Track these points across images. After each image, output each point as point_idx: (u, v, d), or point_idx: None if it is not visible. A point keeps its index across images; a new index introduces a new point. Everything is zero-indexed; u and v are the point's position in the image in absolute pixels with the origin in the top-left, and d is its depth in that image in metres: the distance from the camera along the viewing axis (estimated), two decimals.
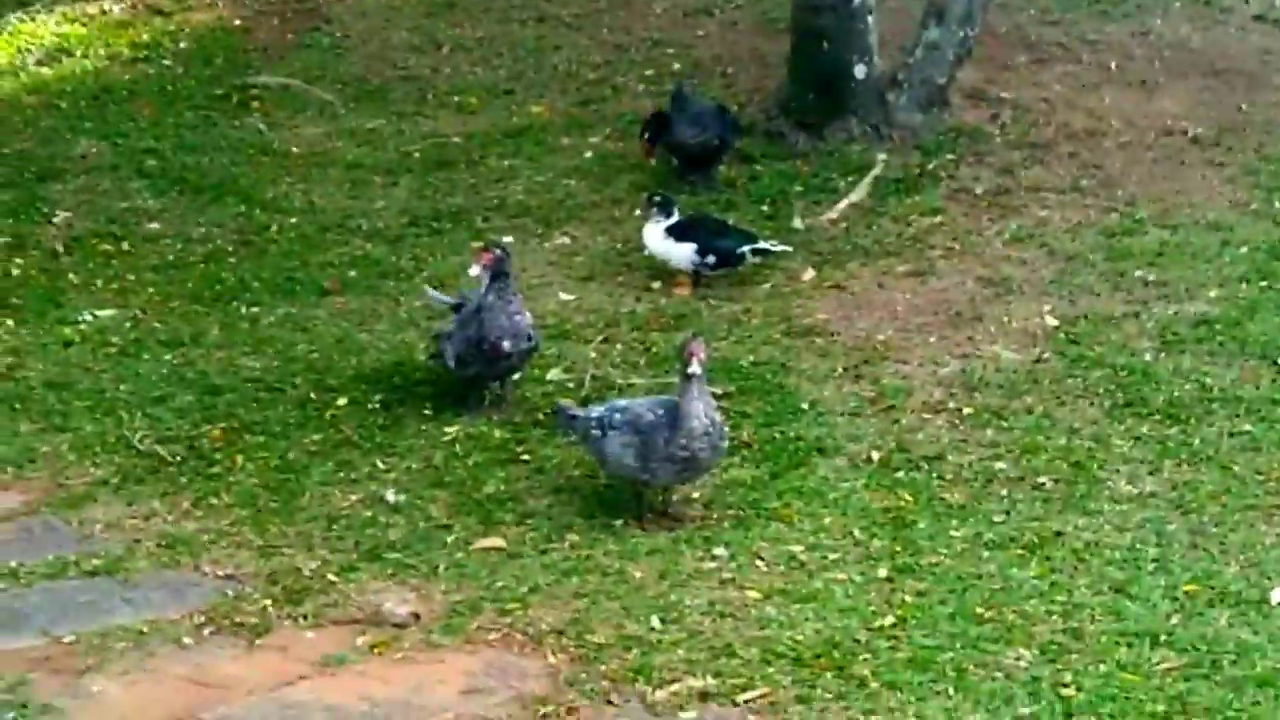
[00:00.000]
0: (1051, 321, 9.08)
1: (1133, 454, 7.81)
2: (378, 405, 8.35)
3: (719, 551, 6.99)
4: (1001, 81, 11.44)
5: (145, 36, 13.52)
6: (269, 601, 6.63)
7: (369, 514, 7.35)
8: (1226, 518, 7.21)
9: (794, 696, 5.93)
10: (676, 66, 12.16)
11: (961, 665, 6.12)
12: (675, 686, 5.96)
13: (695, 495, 7.47)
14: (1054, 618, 6.46)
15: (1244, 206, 10.16)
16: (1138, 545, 7.02)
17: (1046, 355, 8.73)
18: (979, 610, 6.50)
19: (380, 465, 7.78)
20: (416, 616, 6.48)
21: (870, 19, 10.94)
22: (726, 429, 7.23)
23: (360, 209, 10.72)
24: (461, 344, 8.10)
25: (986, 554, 6.98)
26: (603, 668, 6.11)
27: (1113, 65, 11.54)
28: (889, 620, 6.42)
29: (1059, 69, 11.56)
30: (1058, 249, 9.82)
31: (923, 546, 7.03)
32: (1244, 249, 9.69)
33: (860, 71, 10.93)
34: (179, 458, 7.88)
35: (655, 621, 6.43)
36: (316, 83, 12.49)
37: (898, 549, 7.01)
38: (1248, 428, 7.97)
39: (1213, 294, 9.23)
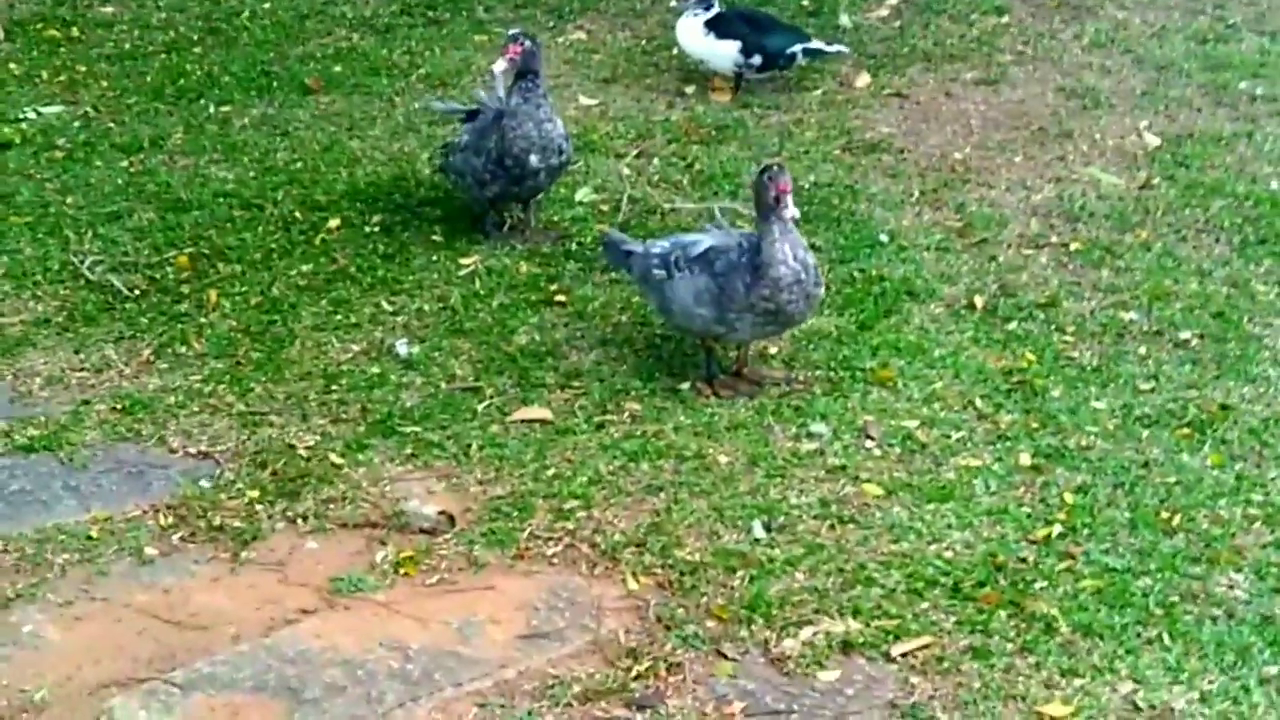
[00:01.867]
0: (1152, 140, 7.16)
1: None
2: (376, 229, 6.36)
3: (816, 428, 5.10)
4: None
5: None
6: (256, 493, 4.69)
7: (376, 371, 5.40)
8: None
9: (965, 648, 4.08)
10: None
11: (1166, 597, 4.30)
12: (806, 633, 4.08)
13: (773, 351, 5.59)
14: (1257, 525, 4.64)
15: None
16: None
17: (1155, 180, 6.82)
18: (1162, 515, 4.68)
19: (385, 306, 5.81)
20: (450, 519, 4.56)
21: None
22: (821, 274, 5.30)
23: None
24: (481, 159, 6.09)
25: (1145, 433, 5.13)
26: (703, 599, 4.24)
27: None
28: (1055, 530, 4.58)
29: None
30: (1145, 56, 7.85)
31: (1064, 423, 5.18)
32: None
33: None
34: (138, 291, 5.89)
35: (758, 529, 4.56)
36: None
37: (1034, 426, 5.16)
38: None
39: None
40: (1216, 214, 6.55)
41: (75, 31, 8.09)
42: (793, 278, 5.10)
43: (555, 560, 4.42)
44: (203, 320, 5.70)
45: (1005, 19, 8.18)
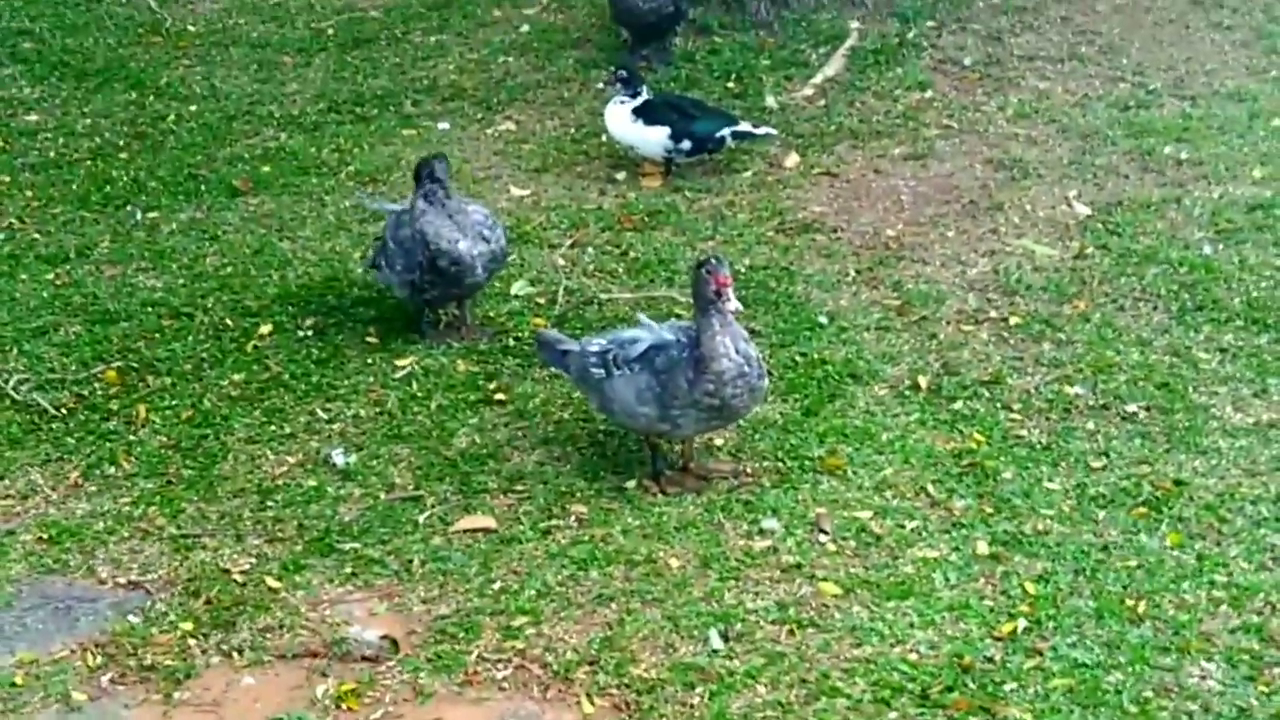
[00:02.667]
0: (1082, 209, 6.95)
1: (1225, 370, 5.74)
2: (310, 333, 6.02)
3: (768, 524, 4.81)
4: None
5: None
6: (189, 625, 4.33)
7: (313, 483, 5.06)
8: None
9: None
10: None
11: (1139, 693, 4.02)
12: None
13: (719, 442, 5.30)
14: (1223, 608, 4.39)
15: (1263, 74, 8.09)
16: None
17: (1088, 249, 6.61)
18: (1127, 601, 4.41)
19: (320, 414, 5.48)
20: (394, 643, 4.23)
21: None
22: (764, 365, 5.02)
23: (270, 94, 8.25)
24: (414, 273, 5.76)
25: (1100, 514, 4.88)
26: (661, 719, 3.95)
27: None
28: (1020, 624, 4.30)
29: None
30: (1069, 125, 7.67)
31: (1018, 506, 4.92)
32: (1276, 121, 7.62)
33: None
34: (65, 409, 5.52)
35: (715, 639, 4.25)
36: None
37: (989, 511, 4.89)
38: None
39: (1256, 174, 7.16)
40: (1152, 281, 6.34)
41: None
42: (735, 371, 4.82)
43: (505, 684, 4.08)
44: (132, 438, 5.34)
45: (929, 94, 7.98)
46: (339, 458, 5.17)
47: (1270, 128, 7.57)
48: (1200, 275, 6.36)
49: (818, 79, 8.18)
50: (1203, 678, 4.10)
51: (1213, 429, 5.37)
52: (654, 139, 7.23)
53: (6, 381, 5.67)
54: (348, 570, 4.58)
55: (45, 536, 4.78)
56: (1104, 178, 7.22)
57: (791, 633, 4.27)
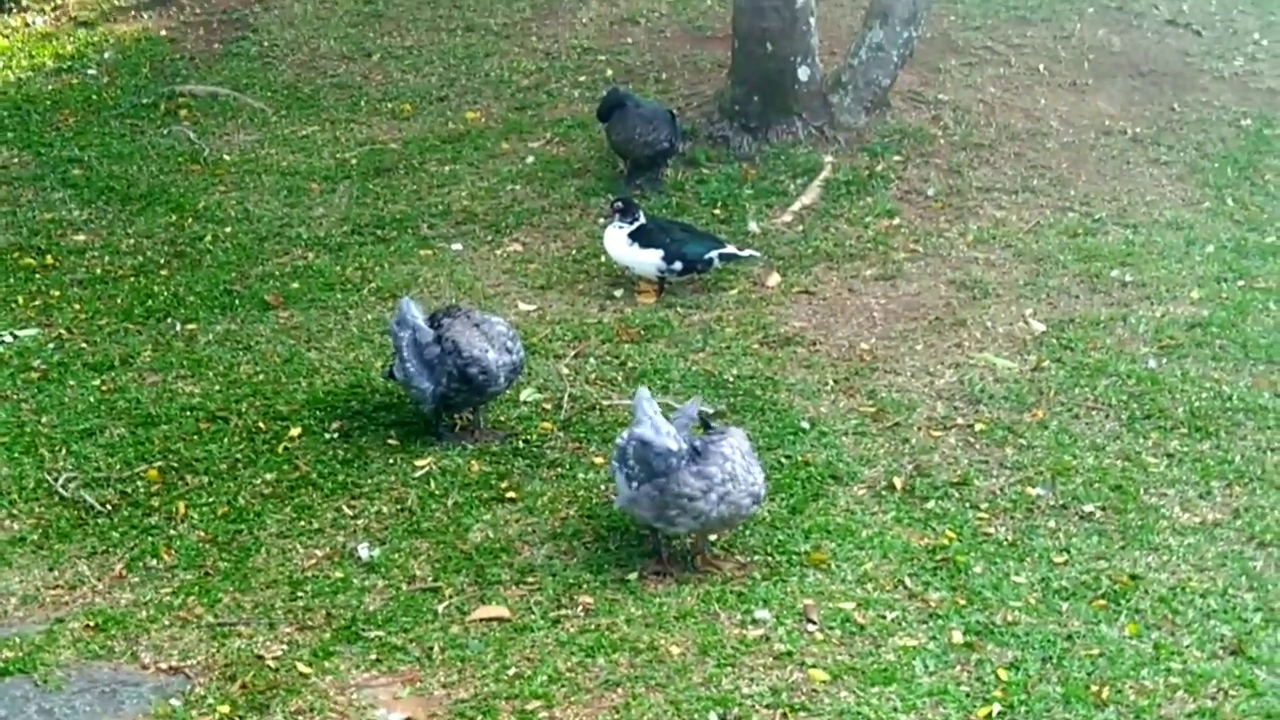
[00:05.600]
0: (1038, 326, 7.01)
1: (1172, 474, 5.76)
2: (336, 435, 6.01)
3: (760, 614, 4.78)
4: (937, 84, 9.32)
5: (70, 48, 10.86)
6: (226, 708, 4.27)
7: (339, 575, 5.03)
8: None
9: None
10: (609, 73, 9.84)
11: None
12: None
13: (712, 538, 5.28)
14: (1179, 694, 4.37)
15: (1197, 205, 8.19)
16: (1230, 590, 4.96)
17: (1044, 362, 6.65)
18: (1091, 688, 4.39)
19: (346, 510, 5.45)
20: None
21: (812, 21, 8.76)
22: (763, 478, 5.01)
23: (299, 217, 8.29)
24: (441, 384, 5.76)
25: (1064, 605, 4.87)
26: None
27: (1041, 67, 9.49)
28: (995, 709, 4.27)
29: (990, 71, 9.47)
30: (1024, 250, 7.74)
31: (989, 599, 4.90)
32: (1210, 247, 7.71)
33: (804, 73, 8.76)
34: (110, 505, 5.48)
35: None
36: (246, 91, 9.98)
37: (962, 603, 4.88)
38: None
39: (1195, 295, 7.23)
40: (1103, 392, 6.38)
41: (49, 259, 7.74)
42: (729, 474, 4.82)
43: None
44: (172, 532, 5.30)
45: (897, 220, 8.06)
46: (364, 551, 5.14)
47: (1205, 253, 7.65)
48: (1147, 387, 6.40)
49: (796, 207, 8.25)
50: None
51: (1163, 528, 5.37)
52: (649, 260, 7.28)
53: (56, 479, 5.63)
54: (373, 657, 4.53)
55: (92, 624, 4.73)
56: (1056, 298, 7.28)
57: (785, 717, 4.23)
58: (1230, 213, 8.02)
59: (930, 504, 5.55)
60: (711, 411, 6.10)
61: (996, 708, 4.26)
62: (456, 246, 7.90)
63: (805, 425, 6.11)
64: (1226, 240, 7.74)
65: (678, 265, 7.28)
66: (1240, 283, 7.33)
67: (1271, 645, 4.63)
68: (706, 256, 7.33)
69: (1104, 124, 8.86)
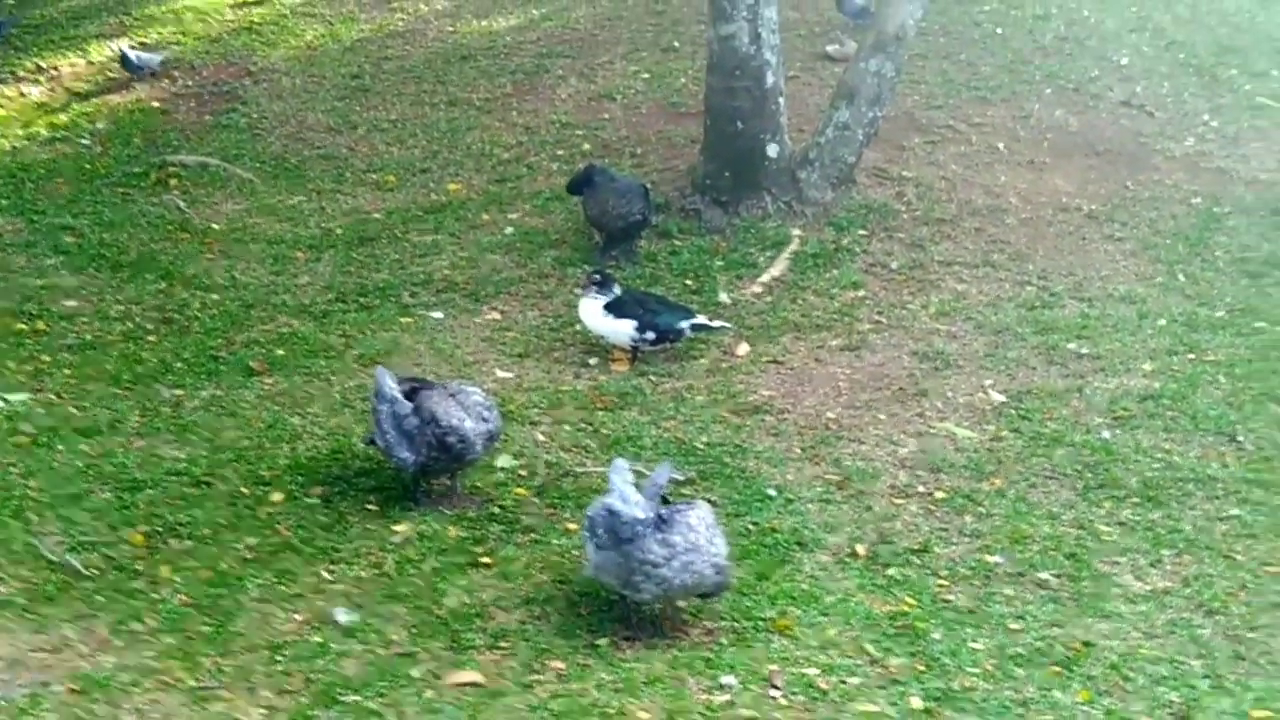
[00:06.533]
0: (997, 397, 7.08)
1: (1125, 542, 5.83)
2: (317, 501, 6.02)
3: (727, 680, 4.80)
4: (901, 161, 9.45)
5: (63, 118, 10.92)
6: None
7: (318, 640, 5.03)
8: (1256, 619, 5.25)
9: None
10: (586, 147, 9.95)
11: None
12: None
13: (681, 603, 5.31)
14: None
15: (1150, 280, 8.30)
16: (1178, 657, 5.01)
17: (1003, 432, 6.73)
18: None
19: (325, 575, 5.46)
20: None
21: (781, 101, 8.90)
22: (726, 550, 5.04)
23: (284, 285, 8.34)
24: (420, 453, 5.80)
25: (1020, 672, 4.91)
26: None
27: (1001, 146, 9.63)
28: None
29: (952, 149, 9.61)
30: (984, 323, 7.83)
31: (947, 665, 4.94)
32: (1162, 321, 7.81)
33: (773, 150, 8.88)
34: (96, 570, 5.47)
35: None
36: (235, 161, 10.04)
37: (921, 669, 4.91)
38: (1234, 511, 6.03)
39: (1147, 367, 7.33)
40: (1059, 462, 6.45)
41: (40, 324, 7.75)
42: (691, 545, 4.87)
43: None
44: (155, 596, 5.30)
45: (862, 292, 8.15)
46: (342, 616, 5.14)
47: (1158, 326, 7.76)
48: (1101, 457, 6.47)
49: (765, 278, 8.34)
50: None
51: (1115, 595, 5.43)
52: (623, 330, 7.35)
53: (43, 543, 5.63)
54: None
55: (76, 688, 4.72)
56: (1015, 369, 7.36)
57: None
58: (1181, 288, 8.14)
59: (892, 570, 5.59)
60: (682, 478, 6.15)
61: None
62: (437, 314, 7.95)
63: (772, 492, 6.16)
64: (1178, 314, 7.85)
65: (650, 335, 7.35)
66: (1191, 356, 7.43)
67: (1218, 712, 4.67)
68: (678, 327, 7.40)
69: (1061, 201, 8.99)
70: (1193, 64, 10.94)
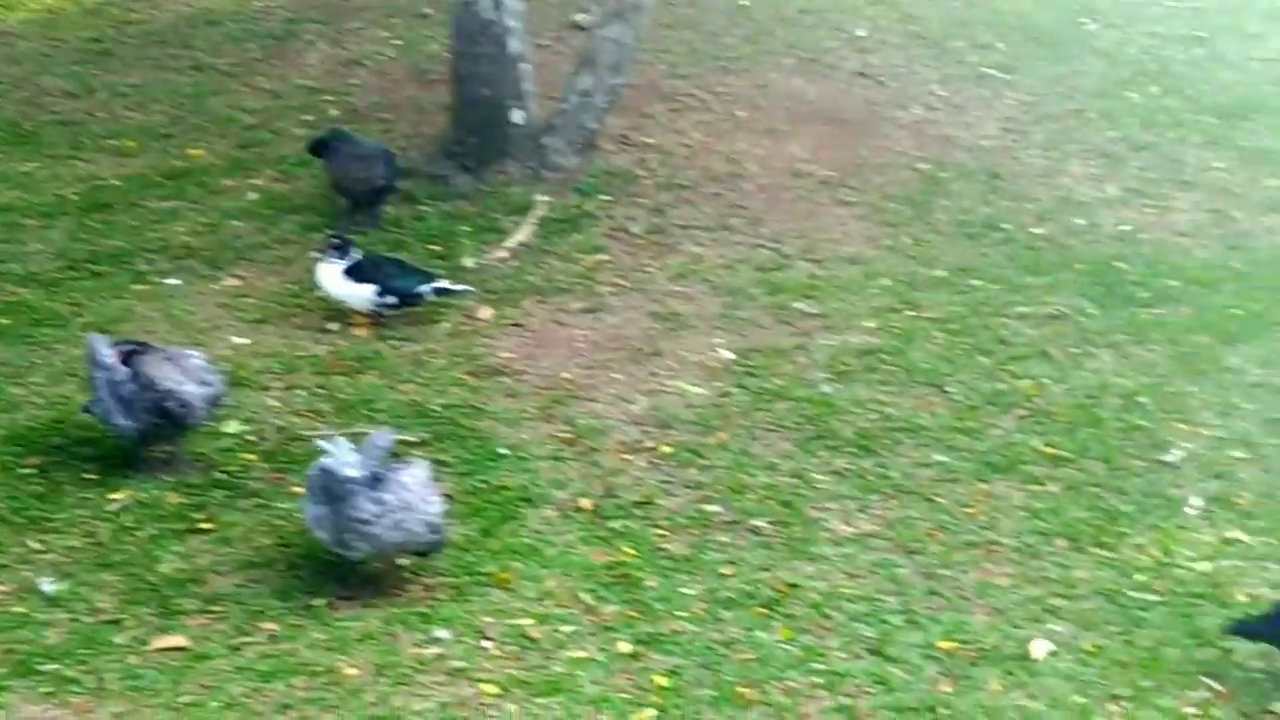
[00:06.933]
0: (727, 355, 7.23)
1: (837, 489, 6.03)
2: (33, 471, 5.78)
3: (440, 633, 4.81)
4: (644, 128, 9.53)
5: None
6: None
7: (20, 609, 4.85)
8: (951, 557, 5.49)
9: None
10: (334, 113, 9.74)
11: None
12: None
13: (404, 561, 5.28)
14: (820, 692, 4.58)
15: (877, 242, 8.56)
16: (876, 595, 5.21)
17: (730, 389, 6.88)
18: (740, 690, 4.55)
19: (34, 545, 5.25)
20: None
21: (525, 67, 8.88)
22: (441, 508, 5.03)
23: (12, 253, 7.94)
24: (140, 419, 5.62)
25: (727, 614, 5.04)
26: None
27: (741, 114, 9.79)
28: (649, 713, 4.39)
29: (694, 117, 9.73)
30: (718, 284, 7.98)
31: (658, 611, 5.04)
32: (886, 281, 8.07)
33: (518, 117, 8.86)
34: None
35: None
36: None
37: (634, 615, 5.00)
38: (938, 458, 6.30)
39: (869, 324, 7.56)
40: (781, 415, 6.62)
41: None
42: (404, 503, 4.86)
43: None
44: None
45: (604, 256, 8.20)
46: (47, 586, 4.96)
47: (881, 286, 8.01)
48: (820, 410, 6.67)
49: (510, 244, 8.31)
50: None
51: (823, 538, 5.61)
52: (363, 295, 7.24)
53: None
54: (45, 690, 4.39)
55: None
56: (745, 328, 7.51)
57: None
58: (905, 249, 8.42)
59: (615, 523, 5.67)
60: (416, 440, 6.11)
61: (652, 712, 4.38)
62: (173, 281, 7.70)
63: (504, 451, 6.17)
64: (901, 274, 8.13)
65: (391, 299, 7.26)
66: (910, 313, 7.71)
67: (908, 645, 4.88)
68: (419, 291, 7.32)
69: (797, 167, 9.21)
70: (925, 36, 11.30)
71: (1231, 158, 9.46)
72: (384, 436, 5.21)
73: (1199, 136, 9.78)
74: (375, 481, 4.82)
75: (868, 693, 4.57)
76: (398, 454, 5.24)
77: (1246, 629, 4.72)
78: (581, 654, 4.72)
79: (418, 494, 4.86)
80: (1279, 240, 8.46)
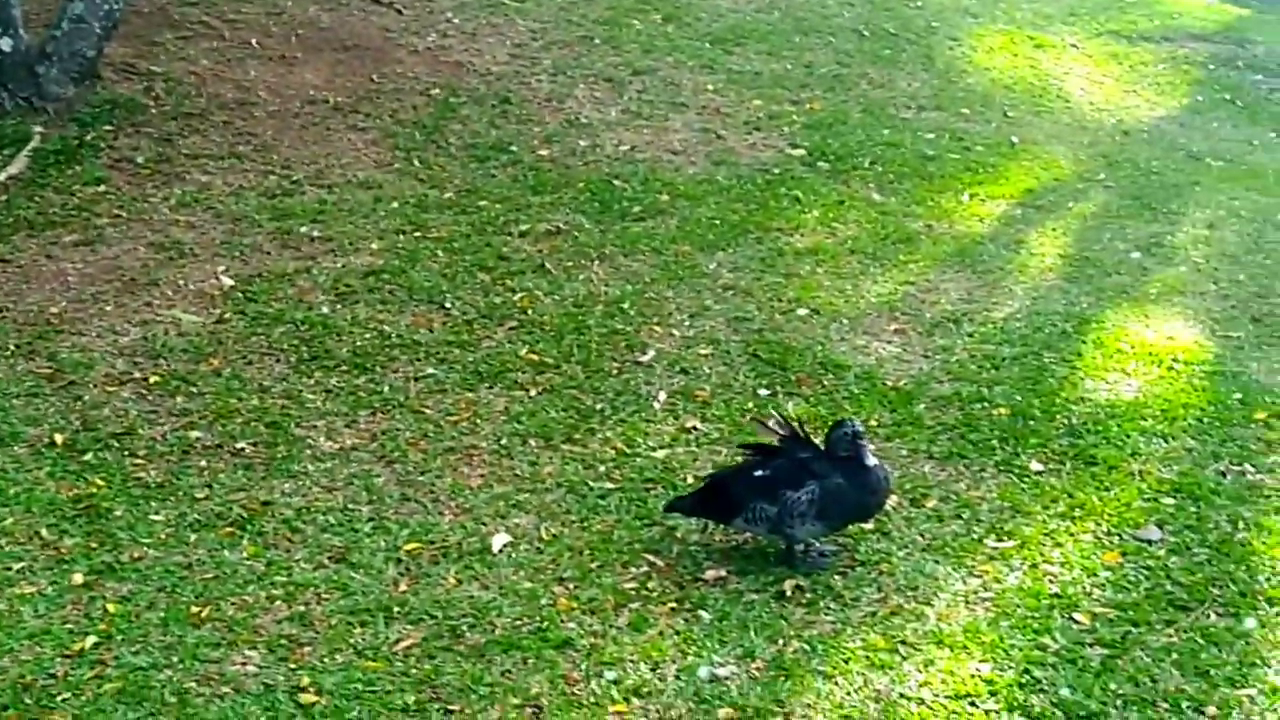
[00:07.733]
0: (228, 281, 7.01)
1: (327, 407, 5.97)
2: None
3: None
4: (151, 56, 9.05)
5: None
6: None
7: None
8: (430, 464, 5.56)
9: None
10: None
11: (182, 685, 4.06)
12: None
13: None
14: (278, 604, 4.54)
15: (388, 166, 8.50)
16: (350, 505, 5.21)
17: (227, 316, 6.68)
18: (194, 609, 4.45)
19: None
20: None
21: None
22: None
23: None
24: None
25: (194, 537, 4.91)
26: None
27: (254, 41, 9.45)
28: (90, 641, 4.23)
29: (204, 45, 9.31)
30: (224, 211, 7.71)
31: (121, 539, 4.85)
32: (395, 204, 8.03)
33: (6, 45, 8.22)
34: None
35: None
36: None
37: (94, 546, 4.79)
38: (430, 371, 6.34)
39: (375, 246, 7.51)
40: (278, 339, 6.49)
41: None
42: None
43: None
44: None
45: (104, 188, 7.77)
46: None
47: (390, 209, 7.97)
48: (319, 331, 6.58)
49: (1, 177, 7.74)
50: (244, 664, 4.20)
51: (305, 456, 5.55)
52: None
53: None
54: None
55: None
56: (249, 255, 7.31)
57: None
58: (416, 172, 8.41)
59: (88, 456, 5.41)
60: None
61: (93, 640, 4.22)
62: None
63: None
64: (410, 197, 8.11)
65: None
66: (417, 234, 7.71)
67: (373, 550, 4.91)
68: None
69: (309, 94, 9.00)
70: None
71: (722, 81, 9.96)
72: None
73: (694, 61, 10.23)
74: None
75: (324, 599, 4.57)
76: None
77: (680, 505, 5.02)
78: (31, 589, 4.49)
79: None
80: (760, 155, 8.99)
